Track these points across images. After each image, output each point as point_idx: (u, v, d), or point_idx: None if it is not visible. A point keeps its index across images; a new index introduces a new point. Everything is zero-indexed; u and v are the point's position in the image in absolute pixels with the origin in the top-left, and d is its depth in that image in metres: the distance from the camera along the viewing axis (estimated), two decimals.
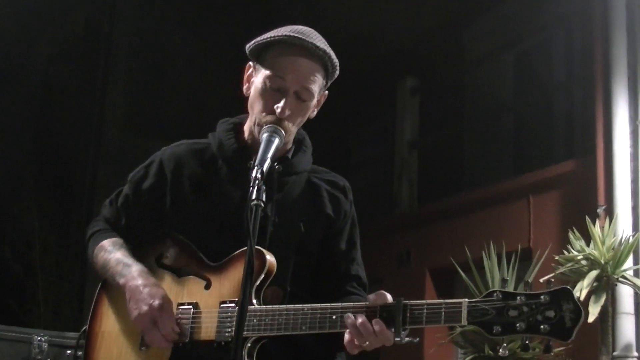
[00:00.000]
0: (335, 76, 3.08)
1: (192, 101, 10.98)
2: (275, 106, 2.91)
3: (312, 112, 3.08)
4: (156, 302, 2.87)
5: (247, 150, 3.05)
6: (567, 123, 8.69)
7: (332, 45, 3.06)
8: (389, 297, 2.70)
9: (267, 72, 2.96)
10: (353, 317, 2.67)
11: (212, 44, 11.16)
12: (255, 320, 2.78)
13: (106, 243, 3.15)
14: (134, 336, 3.00)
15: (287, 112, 2.91)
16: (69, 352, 5.74)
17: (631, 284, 5.87)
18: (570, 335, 2.44)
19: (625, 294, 6.10)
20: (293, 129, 3.01)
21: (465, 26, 10.18)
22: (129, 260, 3.04)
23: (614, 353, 6.01)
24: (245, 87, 3.09)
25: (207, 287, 2.95)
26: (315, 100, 3.03)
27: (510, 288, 5.98)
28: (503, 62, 9.62)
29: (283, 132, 2.85)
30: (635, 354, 6.05)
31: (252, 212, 2.56)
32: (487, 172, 9.34)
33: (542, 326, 2.45)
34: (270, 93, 2.95)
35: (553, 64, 9.01)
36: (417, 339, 2.72)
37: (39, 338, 5.71)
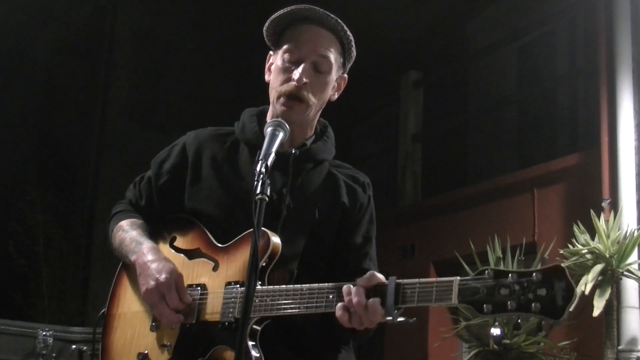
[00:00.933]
0: (353, 56, 3.11)
1: (194, 95, 10.98)
2: (293, 75, 2.95)
3: (333, 94, 3.11)
4: (163, 276, 2.89)
5: (263, 137, 2.99)
6: (571, 116, 8.68)
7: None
8: (382, 277, 2.69)
9: (284, 47, 3.00)
10: (349, 294, 2.66)
11: (214, 38, 11.16)
12: (257, 301, 2.77)
13: (124, 223, 3.17)
14: (147, 316, 3.02)
15: (305, 80, 2.94)
16: (73, 346, 5.76)
17: (636, 277, 5.86)
18: (562, 313, 2.34)
19: (630, 287, 6.09)
20: (313, 102, 3.01)
21: (468, 19, 10.17)
22: (142, 238, 3.07)
23: (619, 347, 6.00)
24: (267, 75, 3.11)
25: (215, 268, 2.97)
26: (334, 77, 3.06)
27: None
28: (506, 55, 9.61)
29: (287, 127, 2.83)
30: None
31: (256, 206, 2.56)
32: (491, 165, 9.33)
33: (533, 304, 2.37)
34: (287, 66, 2.98)
35: (557, 57, 9.00)
36: (414, 318, 2.69)
37: (44, 333, 5.72)
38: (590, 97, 7.38)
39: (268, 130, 2.82)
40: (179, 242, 3.10)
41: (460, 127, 10.02)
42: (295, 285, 2.79)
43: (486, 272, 2.45)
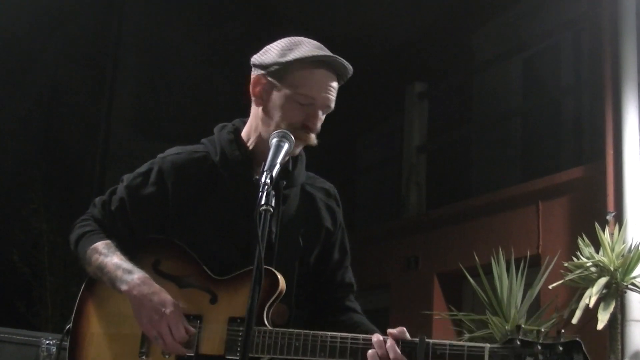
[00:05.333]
0: None
1: (199, 103, 10.98)
2: (311, 122, 2.98)
3: None
4: (168, 310, 2.88)
5: (251, 160, 3.08)
6: (576, 128, 8.67)
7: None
8: (408, 335, 2.77)
9: (297, 90, 2.99)
10: (381, 347, 2.73)
11: (220, 47, 11.18)
12: (269, 341, 2.81)
13: (100, 245, 3.10)
14: (132, 342, 3.00)
15: (319, 127, 3.02)
16: None
17: None
18: None
19: (635, 301, 6.07)
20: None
21: (473, 31, 10.18)
22: (129, 265, 3.01)
23: None
24: (255, 98, 3.09)
25: (213, 301, 2.96)
26: None
27: (518, 296, 6.03)
28: (511, 67, 9.61)
29: (293, 138, 2.85)
30: None
31: (260, 217, 2.57)
32: (496, 177, 9.32)
33: None
34: (298, 107, 2.99)
35: (562, 69, 8.99)
36: None
37: (47, 341, 5.71)
38: (595, 109, 7.37)
39: (273, 141, 2.82)
40: (165, 266, 3.07)
41: (465, 139, 10.01)
42: (315, 332, 2.82)
43: (514, 341, 2.66)
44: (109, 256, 3.05)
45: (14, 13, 9.93)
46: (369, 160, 11.39)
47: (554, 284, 6.02)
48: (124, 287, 2.96)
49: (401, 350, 2.72)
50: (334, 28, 9.50)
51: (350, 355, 2.76)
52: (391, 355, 2.70)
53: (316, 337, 2.80)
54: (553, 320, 5.96)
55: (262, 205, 2.58)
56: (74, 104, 11.15)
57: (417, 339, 2.72)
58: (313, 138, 3.02)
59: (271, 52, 3.05)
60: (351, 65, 3.05)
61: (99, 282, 3.09)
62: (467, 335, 6.31)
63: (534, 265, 6.58)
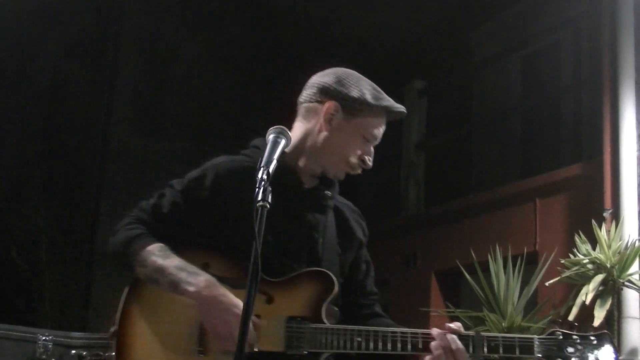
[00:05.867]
0: None
1: (199, 101, 10.99)
2: (368, 158, 3.31)
3: None
4: (239, 311, 2.91)
5: (296, 172, 3.28)
6: (574, 126, 8.67)
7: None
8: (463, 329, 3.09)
9: (364, 130, 3.30)
10: (441, 339, 3.03)
11: (220, 44, 11.18)
12: (331, 337, 3.04)
13: (155, 248, 3.16)
14: (188, 341, 3.09)
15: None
16: (73, 352, 5.76)
17: (637, 288, 5.86)
18: None
19: (631, 298, 6.07)
20: None
21: (473, 29, 10.19)
22: (193, 268, 3.10)
23: (620, 357, 5.99)
24: (322, 124, 3.28)
25: (269, 301, 3.09)
26: None
27: (515, 293, 6.06)
28: (511, 65, 9.62)
29: (289, 134, 2.90)
30: None
31: (257, 214, 2.61)
32: (494, 175, 9.33)
33: None
34: (362, 144, 3.29)
35: (561, 67, 9.00)
36: None
37: (44, 338, 5.72)
38: (594, 108, 7.38)
39: (270, 137, 2.86)
40: (215, 269, 3.15)
41: (464, 137, 10.02)
42: (376, 328, 3.08)
43: (556, 333, 3.08)
44: (168, 259, 3.13)
45: (14, 11, 9.94)
46: None
47: (551, 281, 6.03)
48: (191, 289, 3.05)
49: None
50: (334, 27, 9.52)
51: (412, 348, 3.03)
52: (453, 346, 3.00)
53: (377, 332, 3.04)
54: (550, 318, 5.96)
55: (259, 201, 2.62)
56: (73, 101, 11.16)
57: (472, 332, 3.06)
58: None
59: (356, 88, 3.29)
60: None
61: (144, 284, 3.16)
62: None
63: (531, 262, 6.59)
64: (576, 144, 8.53)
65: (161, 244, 3.17)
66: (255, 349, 2.98)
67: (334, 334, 3.04)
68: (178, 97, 11.16)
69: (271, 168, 2.71)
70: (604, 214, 6.42)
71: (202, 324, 3.06)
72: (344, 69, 3.35)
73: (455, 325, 3.06)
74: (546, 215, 7.36)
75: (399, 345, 3.03)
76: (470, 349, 3.02)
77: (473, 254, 6.57)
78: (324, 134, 3.26)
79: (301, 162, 3.28)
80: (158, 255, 3.13)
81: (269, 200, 2.64)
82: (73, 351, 5.75)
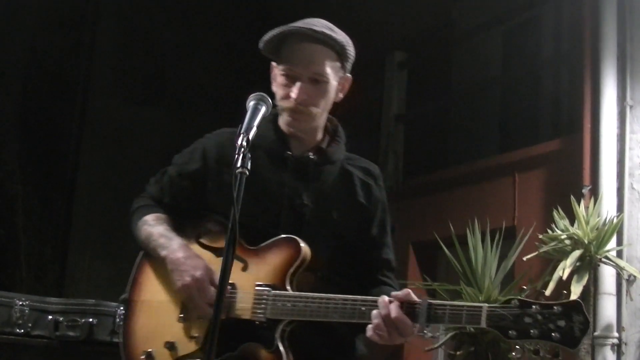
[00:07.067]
0: (350, 57, 3.37)
1: (181, 69, 10.91)
2: (290, 93, 3.17)
3: (337, 96, 3.39)
4: (199, 273, 3.08)
5: (285, 139, 3.30)
6: (554, 101, 8.68)
7: (321, 17, 3.17)
8: (414, 296, 2.92)
9: (281, 66, 3.22)
10: (386, 307, 2.90)
11: (205, 8, 11.08)
12: (289, 305, 3.01)
13: (150, 217, 3.38)
14: (173, 307, 3.21)
15: (304, 97, 3.18)
16: (50, 317, 5.76)
17: (614, 264, 5.90)
18: (577, 343, 2.71)
19: (608, 274, 6.10)
20: (317, 112, 3.25)
21: (454, 1, 10.15)
22: (171, 234, 3.27)
23: (595, 333, 6.04)
24: (273, 85, 3.29)
25: (245, 269, 3.13)
26: (335, 82, 3.30)
27: (493, 267, 6.07)
28: (491, 38, 9.59)
29: (270, 101, 2.97)
30: (616, 334, 6.06)
31: (236, 180, 2.70)
32: (473, 148, 9.33)
33: (553, 334, 2.71)
34: (286, 83, 3.20)
35: (542, 42, 8.98)
36: (438, 334, 3.02)
37: (20, 302, 5.72)
38: (574, 83, 7.38)
39: (250, 104, 2.93)
40: (205, 239, 3.28)
41: (443, 109, 10.01)
42: (329, 295, 3.01)
43: (512, 301, 2.78)
44: (155, 226, 3.33)
45: None
46: (347, 129, 11.35)
47: (529, 256, 6.06)
48: (163, 252, 3.21)
49: (405, 311, 2.87)
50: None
51: (358, 317, 2.94)
52: (392, 315, 2.85)
53: (329, 300, 2.98)
54: (527, 292, 5.99)
55: (238, 167, 2.70)
56: (51, 66, 11.06)
57: (420, 300, 2.88)
58: (306, 109, 3.21)
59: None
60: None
61: (150, 255, 3.34)
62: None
63: (509, 237, 6.61)
64: (556, 119, 8.54)
65: (158, 214, 3.38)
66: (223, 317, 2.96)
67: (290, 301, 3.02)
68: (160, 64, 11.07)
69: (251, 135, 2.77)
70: (583, 190, 6.43)
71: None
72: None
73: (404, 292, 2.90)
74: (525, 190, 7.37)
75: (347, 314, 2.97)
76: (418, 317, 2.86)
77: (452, 227, 6.59)
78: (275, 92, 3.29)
79: (284, 127, 3.33)
80: (150, 224, 3.34)
81: (248, 166, 2.70)
82: (50, 317, 5.75)
